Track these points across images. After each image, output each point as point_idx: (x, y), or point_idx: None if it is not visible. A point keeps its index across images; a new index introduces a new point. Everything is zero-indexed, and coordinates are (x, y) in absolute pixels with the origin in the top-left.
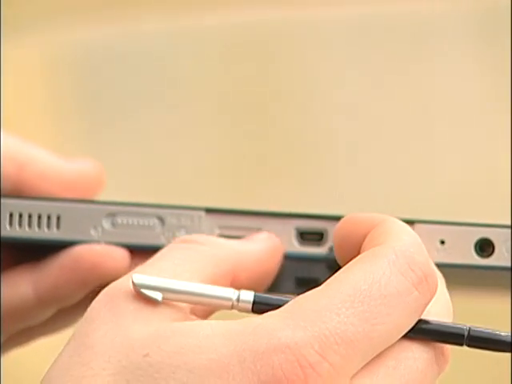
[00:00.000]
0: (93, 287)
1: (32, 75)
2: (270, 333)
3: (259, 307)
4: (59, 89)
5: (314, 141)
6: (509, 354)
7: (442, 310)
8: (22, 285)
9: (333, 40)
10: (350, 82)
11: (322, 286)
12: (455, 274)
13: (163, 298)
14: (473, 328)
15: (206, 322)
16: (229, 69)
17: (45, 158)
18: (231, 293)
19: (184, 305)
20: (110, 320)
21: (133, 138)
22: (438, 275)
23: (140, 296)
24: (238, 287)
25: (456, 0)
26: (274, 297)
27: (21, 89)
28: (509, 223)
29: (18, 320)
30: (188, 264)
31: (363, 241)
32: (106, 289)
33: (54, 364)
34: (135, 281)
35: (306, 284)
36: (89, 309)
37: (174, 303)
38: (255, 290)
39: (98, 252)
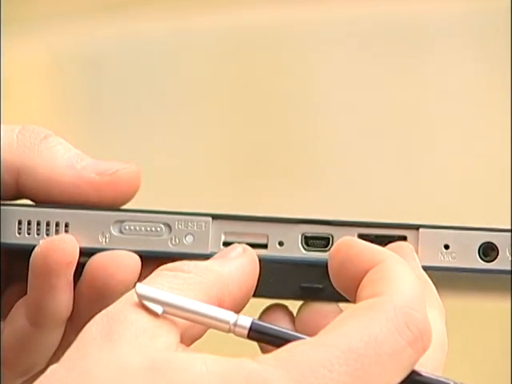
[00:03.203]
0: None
1: (34, 75)
2: (264, 382)
3: (255, 335)
4: (61, 89)
5: (317, 144)
6: (508, 359)
7: (435, 344)
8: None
9: (333, 40)
10: (351, 82)
11: (319, 336)
12: (457, 276)
13: (163, 312)
14: None
15: (200, 357)
16: (229, 69)
17: (44, 164)
18: (230, 316)
19: (177, 329)
20: (105, 346)
21: (135, 139)
22: (439, 308)
23: (135, 322)
24: None
25: (456, 0)
26: (270, 326)
27: (23, 89)
28: None
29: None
30: (176, 293)
31: (362, 276)
32: (102, 312)
33: (44, 380)
34: (138, 290)
35: (311, 291)
36: (83, 331)
37: (169, 329)
38: (238, 312)
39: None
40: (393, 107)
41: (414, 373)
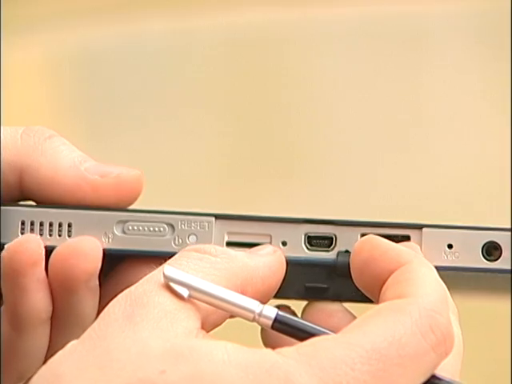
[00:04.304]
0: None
1: (33, 76)
2: (285, 376)
3: (279, 326)
4: (60, 90)
5: (320, 144)
6: (508, 359)
7: (453, 349)
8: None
9: (333, 40)
10: (353, 81)
11: (343, 333)
12: (457, 275)
13: (189, 296)
14: None
15: (222, 344)
16: (230, 69)
17: (47, 164)
18: (256, 305)
19: (199, 314)
20: (127, 328)
21: (135, 139)
22: (452, 308)
23: (158, 305)
24: None
25: (456, 0)
26: (295, 319)
27: (22, 90)
28: None
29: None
30: (201, 276)
31: (387, 276)
32: (125, 292)
33: (64, 357)
34: (166, 272)
35: (316, 291)
36: (106, 310)
37: (191, 314)
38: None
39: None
40: (395, 106)
41: (433, 377)
